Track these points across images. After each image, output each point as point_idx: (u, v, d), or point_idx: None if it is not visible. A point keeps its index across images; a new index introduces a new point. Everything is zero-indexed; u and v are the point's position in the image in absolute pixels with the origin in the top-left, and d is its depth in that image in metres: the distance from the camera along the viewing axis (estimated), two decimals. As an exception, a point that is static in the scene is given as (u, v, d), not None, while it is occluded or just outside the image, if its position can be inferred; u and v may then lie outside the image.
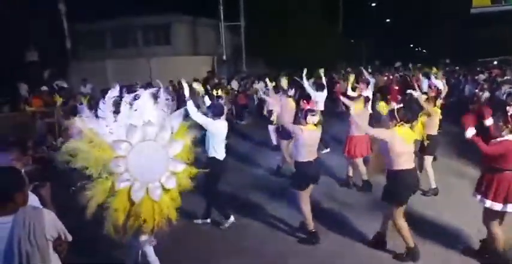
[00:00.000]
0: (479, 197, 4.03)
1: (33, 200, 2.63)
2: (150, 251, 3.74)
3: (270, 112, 8.68)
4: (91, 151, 3.15)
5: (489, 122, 4.06)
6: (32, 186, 2.85)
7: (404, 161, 4.07)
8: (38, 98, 10.14)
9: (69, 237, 2.59)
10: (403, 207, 4.20)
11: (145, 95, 3.50)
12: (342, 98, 7.17)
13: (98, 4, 19.36)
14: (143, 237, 3.62)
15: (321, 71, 9.35)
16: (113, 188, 3.23)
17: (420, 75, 13.29)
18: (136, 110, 3.41)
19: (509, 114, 3.86)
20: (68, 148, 3.14)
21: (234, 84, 15.41)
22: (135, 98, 3.49)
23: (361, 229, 4.94)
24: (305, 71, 9.07)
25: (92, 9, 19.41)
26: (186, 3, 21.38)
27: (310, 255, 4.46)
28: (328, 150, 8.72)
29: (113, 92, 3.43)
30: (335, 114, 11.76)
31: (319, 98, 9.14)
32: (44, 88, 11.44)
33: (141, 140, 3.36)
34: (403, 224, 4.16)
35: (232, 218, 5.20)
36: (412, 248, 4.19)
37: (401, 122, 4.09)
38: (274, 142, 8.85)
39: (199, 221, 5.30)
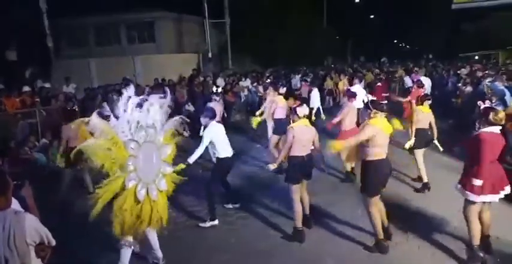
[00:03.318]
0: (458, 186, 4.04)
1: (13, 202, 2.57)
2: (126, 255, 3.72)
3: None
4: (112, 148, 3.25)
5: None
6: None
7: (380, 151, 4.20)
8: (9, 99, 9.75)
9: (53, 242, 2.52)
10: (376, 199, 4.30)
11: (155, 99, 3.61)
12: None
13: (80, 1, 18.99)
14: (126, 239, 3.61)
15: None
16: (122, 187, 3.34)
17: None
18: (145, 112, 3.50)
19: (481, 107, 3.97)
20: (86, 145, 3.21)
21: (220, 82, 15.33)
22: (144, 100, 3.58)
23: (347, 225, 4.99)
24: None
25: (74, 6, 19.02)
26: (170, 0, 21.15)
27: (296, 251, 4.48)
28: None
29: (129, 92, 3.47)
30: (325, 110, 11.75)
31: (315, 94, 9.24)
32: (26, 88, 11.18)
33: (145, 141, 3.46)
34: (376, 215, 4.27)
35: (216, 221, 5.21)
36: (380, 239, 4.30)
37: (376, 111, 4.24)
38: None
39: (207, 224, 5.20)
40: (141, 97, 3.60)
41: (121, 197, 3.33)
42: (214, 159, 5.47)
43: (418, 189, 6.15)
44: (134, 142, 3.37)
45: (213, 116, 5.22)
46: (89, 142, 3.23)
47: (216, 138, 5.14)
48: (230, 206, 5.69)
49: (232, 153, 5.30)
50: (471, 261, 4.00)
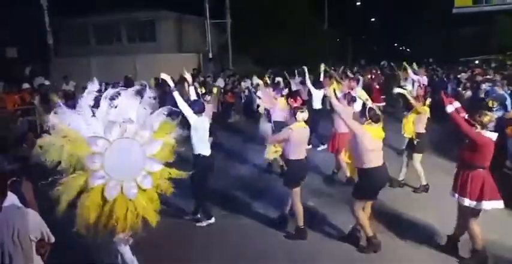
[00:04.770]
0: (456, 195, 4.09)
1: (12, 198, 2.56)
2: (126, 250, 3.68)
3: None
4: (64, 146, 3.10)
5: (449, 108, 4.10)
6: (9, 182, 2.76)
7: (373, 158, 4.18)
8: (9, 96, 9.73)
9: (52, 239, 2.53)
10: (365, 203, 4.39)
11: (129, 92, 3.47)
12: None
13: (81, -1, 18.99)
14: (119, 236, 3.56)
15: (322, 68, 9.38)
16: (86, 185, 3.17)
17: (410, 72, 13.53)
18: (116, 106, 3.38)
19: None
20: (40, 142, 3.10)
21: (220, 82, 15.32)
22: (117, 94, 3.46)
23: (341, 226, 4.98)
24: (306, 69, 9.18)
25: (74, 4, 19.01)
26: (171, -1, 21.17)
27: (292, 252, 4.47)
28: (325, 146, 8.80)
29: (92, 87, 3.39)
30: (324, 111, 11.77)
31: (317, 96, 9.27)
32: (26, 86, 11.17)
33: (119, 137, 3.31)
34: (362, 216, 4.34)
35: (212, 220, 5.20)
36: (371, 237, 4.35)
37: (370, 121, 4.27)
38: None
39: (203, 224, 5.20)
40: (113, 91, 3.46)
41: (84, 194, 3.18)
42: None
43: (415, 189, 6.23)
44: (101, 139, 3.20)
45: (198, 110, 5.02)
46: (42, 140, 3.13)
47: (196, 128, 4.95)
48: (204, 224, 5.24)
49: (209, 153, 5.09)
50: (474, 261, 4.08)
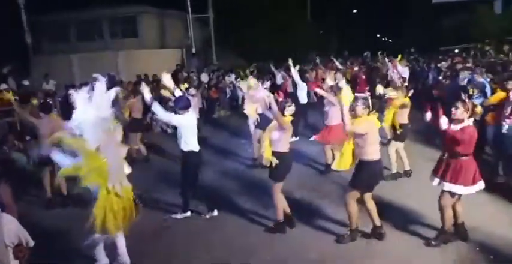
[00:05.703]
0: (437, 180, 4.20)
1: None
2: (121, 243, 3.71)
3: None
4: (93, 169, 3.26)
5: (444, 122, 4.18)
6: None
7: (375, 150, 4.27)
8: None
9: (31, 243, 2.47)
10: (360, 193, 4.38)
11: (100, 88, 3.47)
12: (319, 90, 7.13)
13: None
14: (95, 237, 3.61)
15: (290, 62, 9.42)
16: (108, 192, 3.34)
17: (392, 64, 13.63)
18: (94, 104, 3.39)
19: (467, 101, 4.09)
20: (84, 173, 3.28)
21: (204, 77, 15.22)
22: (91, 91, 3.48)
23: (331, 220, 5.03)
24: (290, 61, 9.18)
25: (54, 0, 18.57)
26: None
27: (280, 247, 4.50)
28: (297, 138, 8.85)
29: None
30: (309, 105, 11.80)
31: (302, 90, 9.30)
32: (4, 86, 10.89)
33: (104, 134, 3.35)
34: (353, 206, 4.35)
35: (188, 213, 5.23)
36: (354, 229, 4.43)
37: (375, 111, 4.37)
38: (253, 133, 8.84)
39: (178, 216, 5.25)
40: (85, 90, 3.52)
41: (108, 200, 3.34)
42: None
43: (399, 174, 6.45)
44: (101, 144, 3.28)
45: (184, 106, 4.92)
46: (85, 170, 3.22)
47: (183, 128, 4.94)
48: (178, 216, 5.28)
49: (198, 149, 5.09)
50: (439, 240, 4.24)
